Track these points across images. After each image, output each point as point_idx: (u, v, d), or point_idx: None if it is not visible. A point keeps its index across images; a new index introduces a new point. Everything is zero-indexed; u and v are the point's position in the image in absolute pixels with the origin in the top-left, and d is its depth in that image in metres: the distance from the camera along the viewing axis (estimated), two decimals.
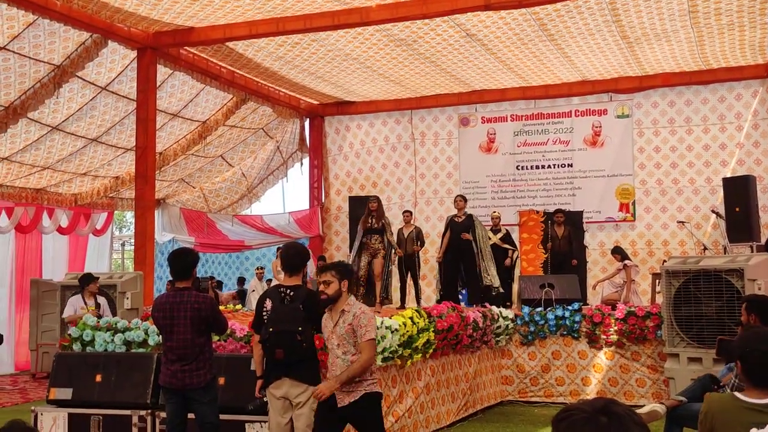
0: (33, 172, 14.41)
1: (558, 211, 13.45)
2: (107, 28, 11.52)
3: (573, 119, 16.13)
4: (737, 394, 3.51)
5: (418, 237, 12.97)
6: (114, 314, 10.23)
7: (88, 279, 10.71)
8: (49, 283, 13.68)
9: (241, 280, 18.80)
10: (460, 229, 12.07)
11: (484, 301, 11.10)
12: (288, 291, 5.81)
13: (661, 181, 15.51)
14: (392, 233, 11.59)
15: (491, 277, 11.85)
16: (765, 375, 3.46)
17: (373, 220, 11.24)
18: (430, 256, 16.86)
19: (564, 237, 13.08)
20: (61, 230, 15.59)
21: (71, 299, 10.67)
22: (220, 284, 18.43)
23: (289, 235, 17.48)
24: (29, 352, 13.92)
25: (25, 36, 11.01)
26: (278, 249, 16.62)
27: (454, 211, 12.46)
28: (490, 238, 12.99)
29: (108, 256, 17.34)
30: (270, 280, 16.45)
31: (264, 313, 5.79)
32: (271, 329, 5.64)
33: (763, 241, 11.84)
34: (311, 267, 13.74)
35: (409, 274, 12.94)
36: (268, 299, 5.84)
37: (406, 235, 12.87)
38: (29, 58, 11.42)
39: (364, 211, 11.41)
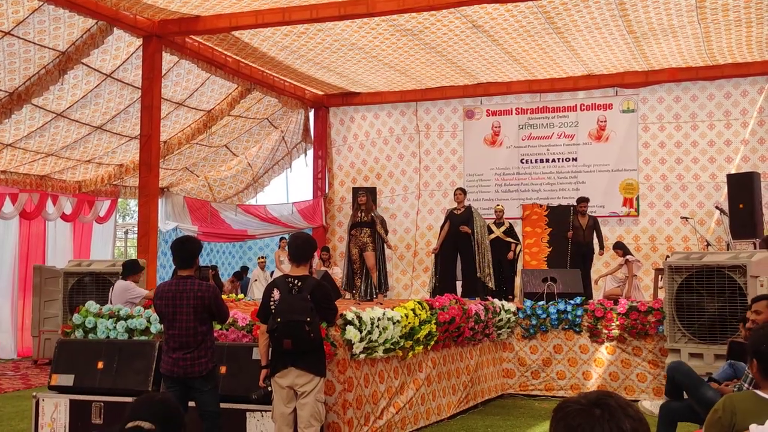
0: (37, 159, 14.41)
1: (582, 199, 13.16)
2: (113, 16, 11.51)
3: (578, 113, 16.11)
4: (757, 392, 3.49)
5: (382, 225, 13.01)
6: None
7: (137, 267, 9.75)
8: (52, 270, 13.69)
9: (245, 269, 18.76)
10: (459, 221, 12.08)
11: (477, 294, 11.11)
12: (296, 281, 5.83)
13: (665, 176, 15.48)
14: (382, 226, 11.62)
15: (485, 275, 11.86)
16: None
17: (362, 214, 11.30)
18: (420, 248, 16.90)
19: (588, 226, 12.92)
20: (64, 217, 15.59)
21: (131, 287, 9.49)
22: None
23: (292, 225, 17.49)
24: (31, 338, 13.95)
25: (30, 21, 11.00)
26: (281, 239, 16.66)
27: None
28: (493, 232, 12.99)
29: (112, 244, 17.34)
30: (273, 272, 16.46)
31: (271, 303, 5.80)
32: (279, 319, 5.66)
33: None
34: (314, 258, 13.77)
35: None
36: (275, 289, 5.85)
37: None
38: (34, 44, 11.41)
39: (355, 202, 11.46)
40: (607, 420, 1.87)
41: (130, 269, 9.58)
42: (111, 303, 9.09)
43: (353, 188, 16.97)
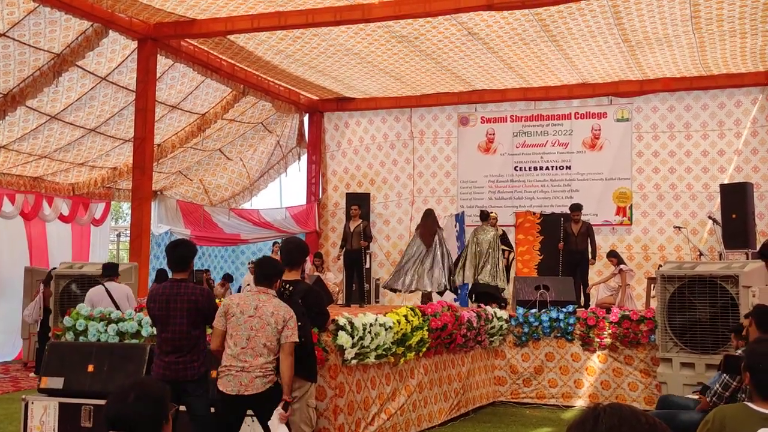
0: (30, 161, 14.37)
1: (575, 207, 13.09)
2: (108, 18, 11.50)
3: (572, 121, 16.13)
4: (749, 404, 3.49)
5: (365, 232, 13.06)
6: None
7: (116, 269, 10.05)
8: (43, 272, 13.65)
9: (228, 277, 18.60)
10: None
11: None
12: (287, 286, 5.83)
13: (658, 185, 15.51)
14: None
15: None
16: None
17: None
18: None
19: (581, 233, 12.92)
20: (62, 218, 15.58)
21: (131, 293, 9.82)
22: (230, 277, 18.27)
23: (285, 230, 17.46)
24: (21, 340, 13.91)
25: (25, 23, 10.97)
26: (274, 244, 16.62)
27: (451, 210, 12.61)
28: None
29: (108, 247, 17.36)
30: None
31: None
32: None
33: (758, 248, 11.85)
34: (307, 263, 13.78)
35: (354, 272, 13.14)
36: None
37: (352, 230, 12.96)
38: (29, 45, 11.38)
39: (430, 220, 12.16)
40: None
41: (113, 271, 9.81)
42: (90, 305, 9.04)
43: (350, 193, 16.98)
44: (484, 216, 12.79)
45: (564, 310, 10.33)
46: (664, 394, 7.19)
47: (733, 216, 12.29)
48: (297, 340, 5.44)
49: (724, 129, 15.16)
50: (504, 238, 13.12)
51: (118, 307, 8.99)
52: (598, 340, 10.03)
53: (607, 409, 1.93)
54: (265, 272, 5.62)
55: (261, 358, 5.33)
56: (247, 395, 5.32)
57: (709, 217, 13.60)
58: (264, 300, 5.45)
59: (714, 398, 6.01)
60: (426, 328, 8.22)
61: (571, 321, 10.18)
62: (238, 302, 5.49)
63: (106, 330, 7.98)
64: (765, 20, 11.74)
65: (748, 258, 11.37)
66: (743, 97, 15.04)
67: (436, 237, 12.05)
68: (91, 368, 7.12)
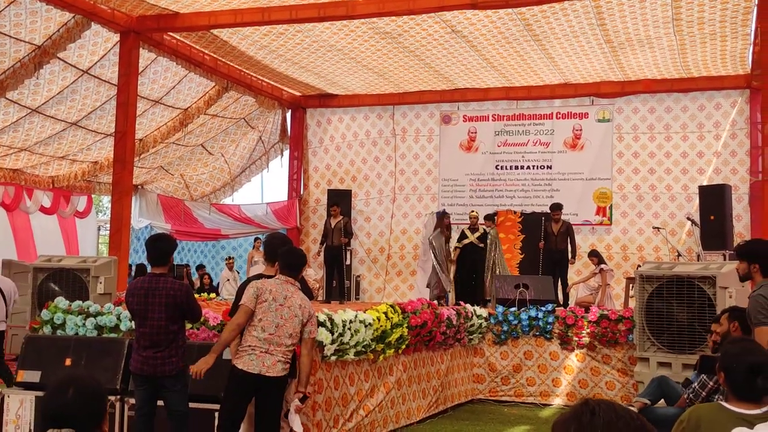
0: (10, 153, 14.25)
1: (555, 207, 13.12)
2: (90, 10, 11.42)
3: (554, 121, 16.19)
4: (724, 404, 3.54)
5: (346, 229, 13.15)
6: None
7: None
8: (22, 265, 13.52)
9: (201, 268, 18.60)
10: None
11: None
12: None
13: (638, 186, 15.60)
14: None
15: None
16: (749, 387, 3.48)
17: (449, 232, 12.80)
18: (393, 252, 16.90)
19: (561, 233, 12.96)
20: (44, 210, 15.46)
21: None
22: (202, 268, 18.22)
23: (266, 225, 17.43)
24: None
25: (6, 14, 10.87)
26: (256, 239, 16.60)
27: (432, 208, 12.72)
28: (467, 237, 13.06)
29: (95, 240, 17.31)
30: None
31: None
32: None
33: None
34: None
35: (335, 269, 13.20)
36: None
37: (333, 226, 13.04)
38: (10, 36, 11.28)
39: (441, 223, 12.87)
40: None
41: None
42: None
43: (331, 189, 16.99)
44: (490, 217, 13.04)
45: (543, 308, 10.38)
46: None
47: (711, 217, 12.38)
48: (316, 335, 5.86)
49: (703, 131, 15.27)
50: (484, 237, 13.23)
51: (5, 299, 9.39)
52: (577, 339, 10.09)
53: (601, 404, 1.96)
54: (291, 262, 5.81)
55: (284, 346, 5.62)
56: (266, 376, 5.55)
57: (688, 218, 13.70)
58: (292, 291, 5.71)
59: (691, 396, 6.09)
60: (406, 325, 8.24)
61: (550, 320, 10.24)
62: (270, 289, 5.66)
63: (84, 324, 7.93)
64: (745, 24, 11.84)
65: (725, 259, 11.46)
66: (723, 100, 15.15)
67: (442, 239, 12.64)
68: (68, 362, 7.08)
